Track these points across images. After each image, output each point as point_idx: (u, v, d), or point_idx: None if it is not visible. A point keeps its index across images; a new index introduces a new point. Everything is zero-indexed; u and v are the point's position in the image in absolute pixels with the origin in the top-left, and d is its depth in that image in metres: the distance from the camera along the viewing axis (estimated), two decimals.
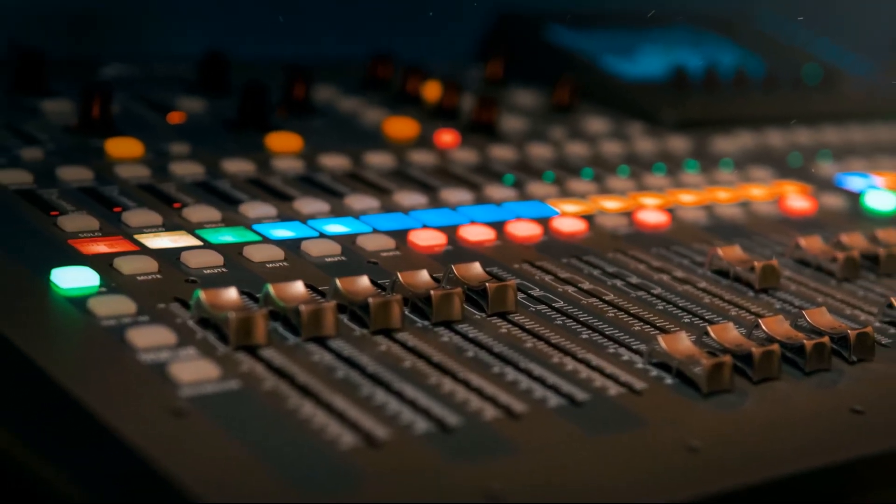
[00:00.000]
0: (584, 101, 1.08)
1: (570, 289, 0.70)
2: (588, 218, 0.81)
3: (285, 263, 0.68)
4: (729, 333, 0.63)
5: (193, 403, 0.52)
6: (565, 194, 0.86)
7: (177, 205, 0.74)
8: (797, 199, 0.92)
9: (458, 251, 0.74)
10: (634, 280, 0.72)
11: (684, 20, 1.28)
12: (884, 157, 1.09)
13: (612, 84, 1.11)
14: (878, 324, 0.71)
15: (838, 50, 1.28)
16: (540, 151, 0.94)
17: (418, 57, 1.05)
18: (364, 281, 0.63)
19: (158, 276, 0.63)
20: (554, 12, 1.19)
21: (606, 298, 0.69)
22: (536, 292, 0.68)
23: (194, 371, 0.54)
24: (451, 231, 0.76)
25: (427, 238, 0.74)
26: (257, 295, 0.62)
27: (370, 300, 0.60)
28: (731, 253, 0.75)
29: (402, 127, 0.94)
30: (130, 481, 0.48)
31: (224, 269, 0.66)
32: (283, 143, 0.86)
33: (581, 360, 0.61)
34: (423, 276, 0.65)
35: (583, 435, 0.54)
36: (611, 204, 0.85)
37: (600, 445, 0.54)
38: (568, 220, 0.80)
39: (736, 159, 1.01)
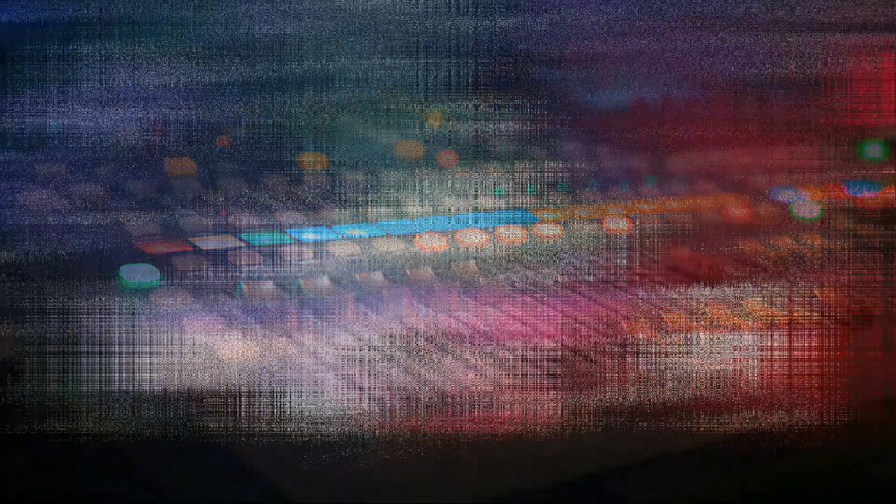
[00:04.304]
0: (562, 127, 1.08)
1: (549, 281, 0.69)
2: (564, 224, 0.81)
3: (314, 261, 0.67)
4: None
5: (238, 377, 0.52)
6: (545, 204, 0.85)
7: (224, 213, 0.73)
8: (737, 209, 0.92)
9: (457, 251, 0.73)
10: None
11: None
12: (808, 174, 1.08)
13: (585, 113, 1.10)
14: None
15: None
16: (524, 168, 0.94)
17: (424, 91, 1.04)
18: (378, 276, 0.63)
19: (209, 271, 0.63)
20: (537, 54, 1.19)
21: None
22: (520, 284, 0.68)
23: (238, 350, 0.54)
24: (450, 234, 0.75)
25: (431, 240, 0.74)
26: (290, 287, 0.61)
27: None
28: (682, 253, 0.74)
29: (410, 149, 0.93)
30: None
31: (263, 266, 0.65)
32: (313, 162, 0.86)
33: None
34: (428, 271, 0.64)
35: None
36: (582, 212, 0.84)
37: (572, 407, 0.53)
38: (547, 225, 0.79)
39: (686, 176, 1.00)
